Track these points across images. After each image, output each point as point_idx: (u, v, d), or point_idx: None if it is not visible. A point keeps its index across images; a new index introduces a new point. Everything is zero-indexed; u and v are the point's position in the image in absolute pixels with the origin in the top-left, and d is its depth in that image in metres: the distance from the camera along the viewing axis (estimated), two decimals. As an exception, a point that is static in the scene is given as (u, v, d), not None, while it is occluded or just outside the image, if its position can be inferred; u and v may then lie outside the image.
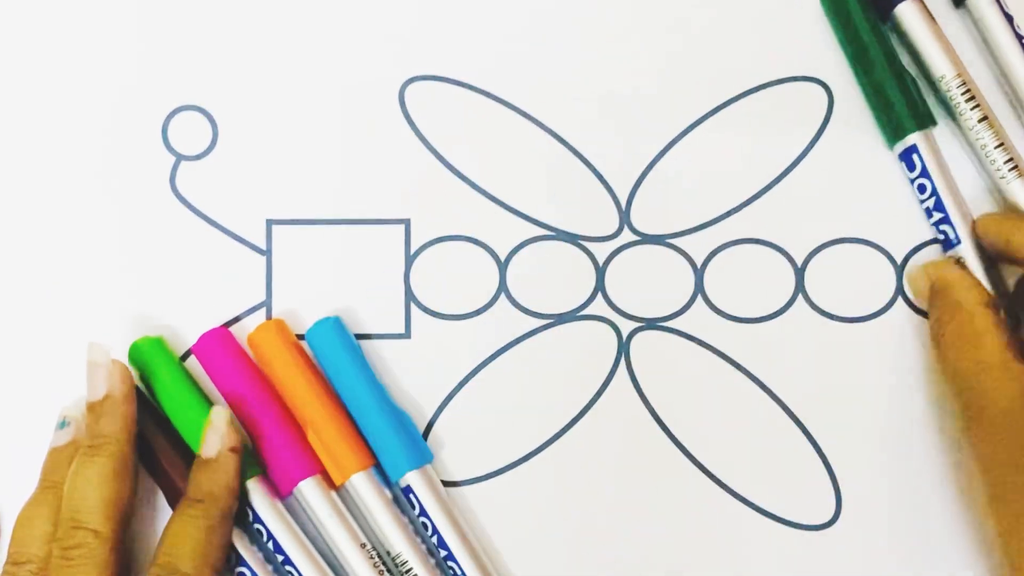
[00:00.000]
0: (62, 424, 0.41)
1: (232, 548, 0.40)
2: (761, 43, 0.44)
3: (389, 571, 0.41)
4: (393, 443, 0.41)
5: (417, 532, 0.41)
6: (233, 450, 0.40)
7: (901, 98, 0.42)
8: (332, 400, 0.41)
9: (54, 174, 0.43)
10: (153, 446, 0.41)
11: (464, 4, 0.44)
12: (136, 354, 0.42)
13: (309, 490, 0.41)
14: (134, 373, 0.42)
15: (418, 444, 0.42)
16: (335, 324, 0.42)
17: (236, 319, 0.43)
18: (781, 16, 0.44)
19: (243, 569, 0.40)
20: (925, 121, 0.42)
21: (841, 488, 0.42)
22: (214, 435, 0.40)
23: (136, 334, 0.42)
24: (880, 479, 0.42)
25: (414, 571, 0.41)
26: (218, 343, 0.42)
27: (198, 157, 0.44)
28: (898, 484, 0.42)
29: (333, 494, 0.41)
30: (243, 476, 0.41)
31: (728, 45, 0.44)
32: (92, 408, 0.40)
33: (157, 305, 0.43)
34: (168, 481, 0.41)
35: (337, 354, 0.42)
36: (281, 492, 0.41)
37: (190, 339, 0.42)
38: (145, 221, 0.43)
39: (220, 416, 0.40)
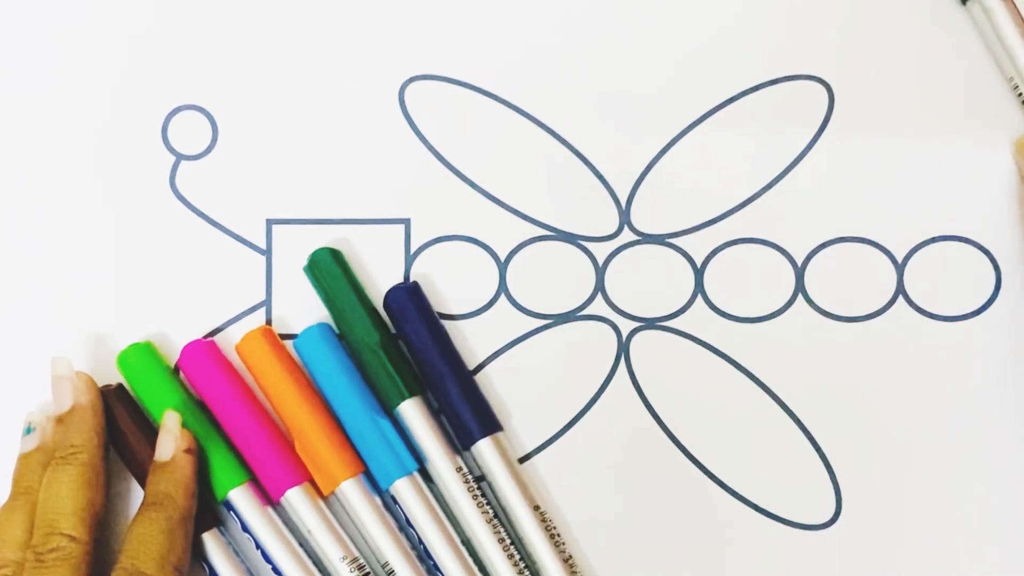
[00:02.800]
0: (28, 430, 0.41)
1: (207, 561, 0.41)
2: (761, 41, 0.44)
3: None
4: (381, 451, 0.41)
5: (409, 539, 0.41)
6: (188, 451, 0.40)
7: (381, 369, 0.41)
8: (320, 408, 0.41)
9: (54, 174, 0.43)
10: (138, 453, 0.41)
11: (464, 4, 0.44)
12: (125, 363, 0.42)
13: (296, 498, 0.41)
14: (123, 381, 0.42)
15: (405, 452, 0.41)
16: (322, 331, 0.42)
17: (236, 319, 0.43)
18: (781, 14, 0.44)
19: None
20: (410, 392, 0.42)
21: (841, 488, 0.42)
22: (168, 437, 0.40)
23: (136, 334, 0.43)
24: (880, 479, 0.42)
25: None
26: (201, 354, 0.42)
27: (198, 157, 0.44)
28: (898, 484, 0.42)
29: (320, 502, 0.41)
30: (227, 484, 0.41)
31: (728, 44, 0.44)
32: (60, 420, 0.41)
33: (157, 305, 0.43)
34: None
35: (325, 361, 0.42)
36: (269, 502, 0.41)
37: (189, 338, 0.42)
38: (145, 221, 0.43)
39: (172, 419, 0.41)
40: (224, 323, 0.43)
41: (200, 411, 0.41)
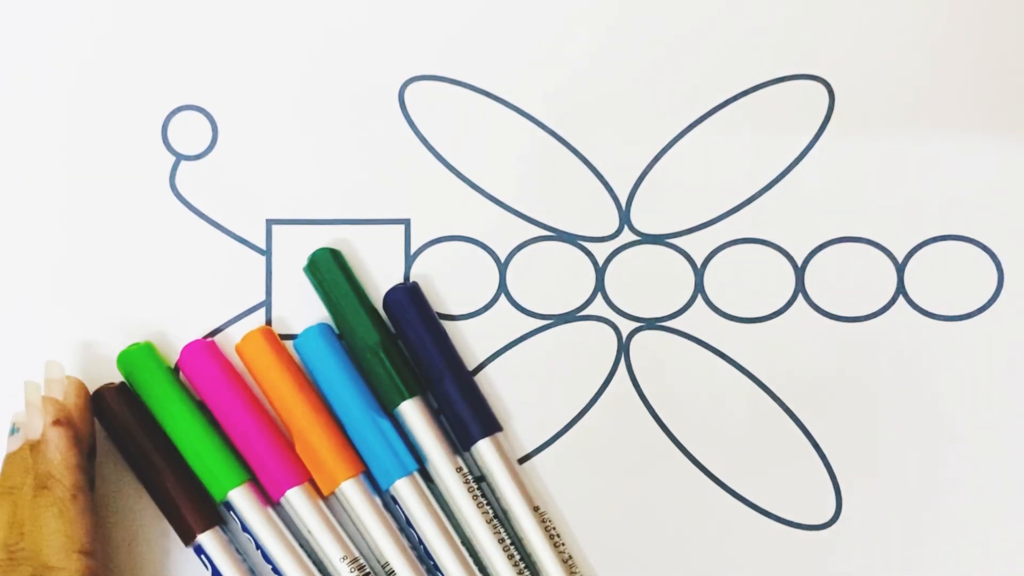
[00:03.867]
0: (13, 430, 0.40)
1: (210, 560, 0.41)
2: (761, 41, 0.44)
3: None
4: (381, 451, 0.41)
5: (409, 539, 0.41)
6: (57, 423, 0.39)
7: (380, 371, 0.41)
8: (320, 408, 0.41)
9: (54, 174, 0.43)
10: (141, 453, 0.41)
11: (464, 4, 0.44)
12: (124, 363, 0.42)
13: (296, 498, 0.41)
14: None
15: (405, 452, 0.41)
16: (322, 331, 0.42)
17: (236, 319, 0.43)
18: (781, 13, 0.44)
19: None
20: (410, 392, 0.41)
21: (841, 488, 0.42)
22: (33, 413, 0.39)
23: (136, 334, 0.42)
24: (880, 479, 0.42)
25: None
26: (201, 354, 0.42)
27: (198, 157, 0.44)
28: (898, 484, 0.42)
29: (320, 502, 0.41)
30: (227, 485, 0.41)
31: (728, 44, 0.44)
32: (32, 447, 0.39)
33: (157, 305, 0.43)
34: (162, 495, 0.41)
35: (325, 361, 0.42)
36: (269, 502, 0.41)
37: (189, 339, 0.42)
38: (145, 221, 0.43)
39: (33, 392, 0.39)
40: (224, 323, 0.43)
41: (200, 411, 0.41)
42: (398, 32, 0.44)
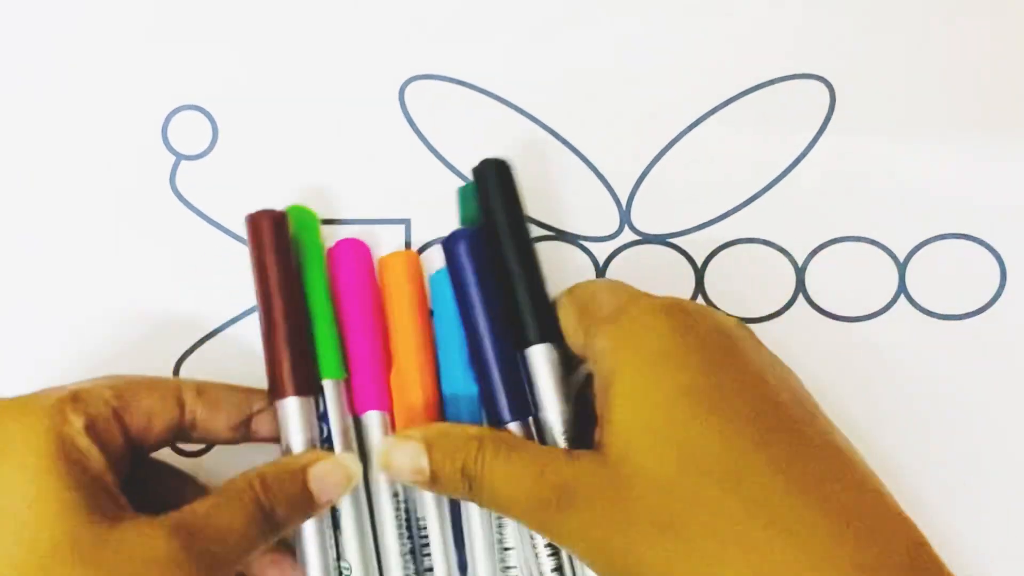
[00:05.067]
0: None
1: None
2: (762, 40, 0.43)
3: (409, 527, 0.41)
4: (463, 407, 0.41)
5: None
6: None
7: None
8: (428, 350, 0.41)
9: (54, 174, 0.43)
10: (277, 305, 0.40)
11: (464, 4, 0.44)
12: (294, 217, 0.41)
13: (373, 423, 0.41)
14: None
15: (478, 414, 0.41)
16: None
17: (236, 319, 0.43)
18: (782, 13, 0.43)
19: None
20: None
21: (841, 488, 0.42)
22: None
23: (135, 333, 0.43)
24: (879, 478, 0.42)
25: (429, 536, 0.41)
26: (352, 253, 0.42)
27: (198, 157, 0.44)
28: (897, 484, 0.42)
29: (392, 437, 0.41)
30: (327, 372, 0.40)
31: (728, 43, 0.43)
32: None
33: (156, 304, 0.43)
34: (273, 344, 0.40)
35: (447, 306, 0.41)
36: (352, 411, 0.41)
37: (189, 338, 0.43)
38: (145, 221, 0.43)
39: None
40: (224, 323, 0.43)
41: (330, 299, 0.41)
42: (398, 32, 0.44)
